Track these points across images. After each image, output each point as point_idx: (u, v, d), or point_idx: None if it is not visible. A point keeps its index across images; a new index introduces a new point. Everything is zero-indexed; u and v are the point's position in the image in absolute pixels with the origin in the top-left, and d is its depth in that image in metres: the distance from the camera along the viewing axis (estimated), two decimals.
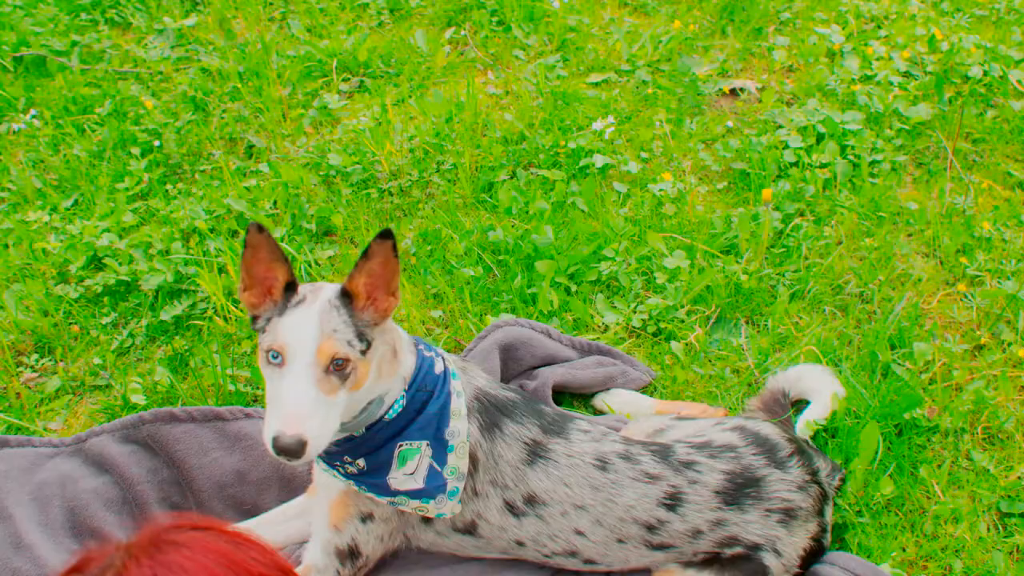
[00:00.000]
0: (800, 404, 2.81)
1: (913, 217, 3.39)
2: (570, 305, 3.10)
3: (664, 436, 2.51)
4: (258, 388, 2.97)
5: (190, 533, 1.32)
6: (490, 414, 2.36)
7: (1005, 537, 2.52)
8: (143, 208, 3.67)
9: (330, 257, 3.41)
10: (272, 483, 2.67)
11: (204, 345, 3.12)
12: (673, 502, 2.35)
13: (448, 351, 2.99)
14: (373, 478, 2.32)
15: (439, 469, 2.31)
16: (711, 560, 2.40)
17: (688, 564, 2.41)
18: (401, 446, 2.29)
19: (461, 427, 2.31)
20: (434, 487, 2.32)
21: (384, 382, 2.25)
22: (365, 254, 2.13)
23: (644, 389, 2.92)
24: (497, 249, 3.29)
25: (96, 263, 3.46)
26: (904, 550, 2.51)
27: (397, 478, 2.30)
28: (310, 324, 2.11)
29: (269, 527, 2.58)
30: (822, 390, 2.77)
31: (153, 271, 3.35)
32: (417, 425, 2.29)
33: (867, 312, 3.08)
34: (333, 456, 2.32)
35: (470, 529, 2.41)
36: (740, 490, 2.37)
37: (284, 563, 1.43)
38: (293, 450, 2.04)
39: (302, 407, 2.07)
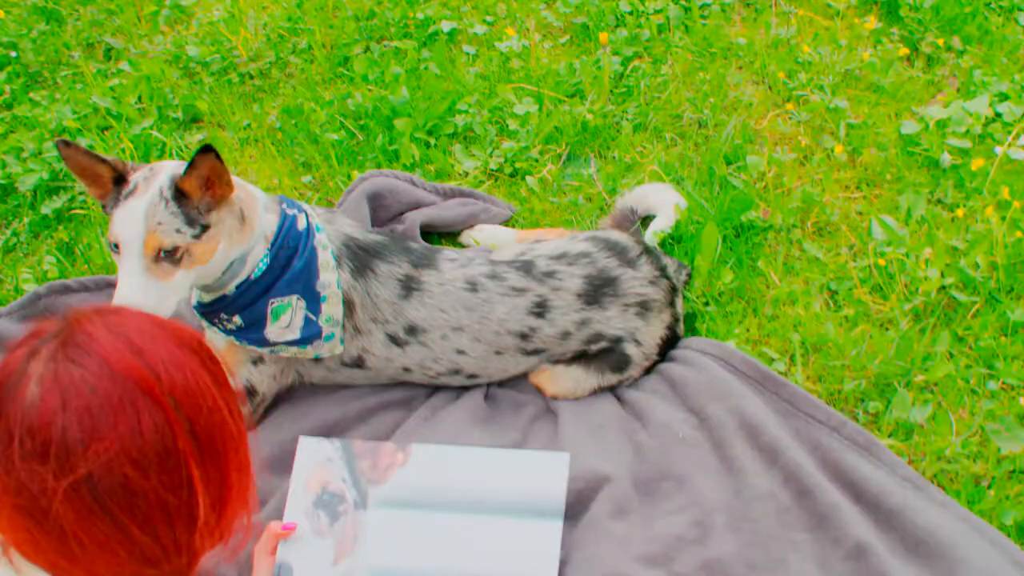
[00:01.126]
0: (648, 220, 3.05)
1: (742, 51, 3.64)
2: (431, 157, 3.30)
3: (526, 257, 2.74)
4: None
5: (123, 312, 1.47)
6: (360, 258, 2.55)
7: (835, 311, 2.81)
8: (9, 117, 3.74)
9: (200, 140, 3.53)
10: None
11: (88, 230, 3.25)
12: (541, 310, 2.59)
13: None
14: (251, 333, 2.50)
15: (314, 319, 2.49)
16: (579, 356, 2.65)
17: (558, 362, 2.66)
18: (272, 303, 2.45)
19: (330, 278, 2.48)
20: (311, 335, 2.51)
21: (237, 247, 2.39)
22: (192, 164, 2.22)
23: (506, 223, 3.14)
24: (358, 115, 3.46)
25: None
26: (748, 331, 2.79)
27: (273, 332, 2.49)
28: (136, 218, 2.24)
29: None
30: (666, 202, 3.02)
31: (28, 172, 3.45)
32: (284, 281, 2.44)
33: (704, 135, 3.33)
34: (211, 315, 2.50)
35: (358, 363, 2.63)
36: (598, 290, 2.61)
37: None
38: None
39: (131, 296, 2.25)
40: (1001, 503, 2.37)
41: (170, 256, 2.27)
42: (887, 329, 2.75)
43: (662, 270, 2.71)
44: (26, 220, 3.35)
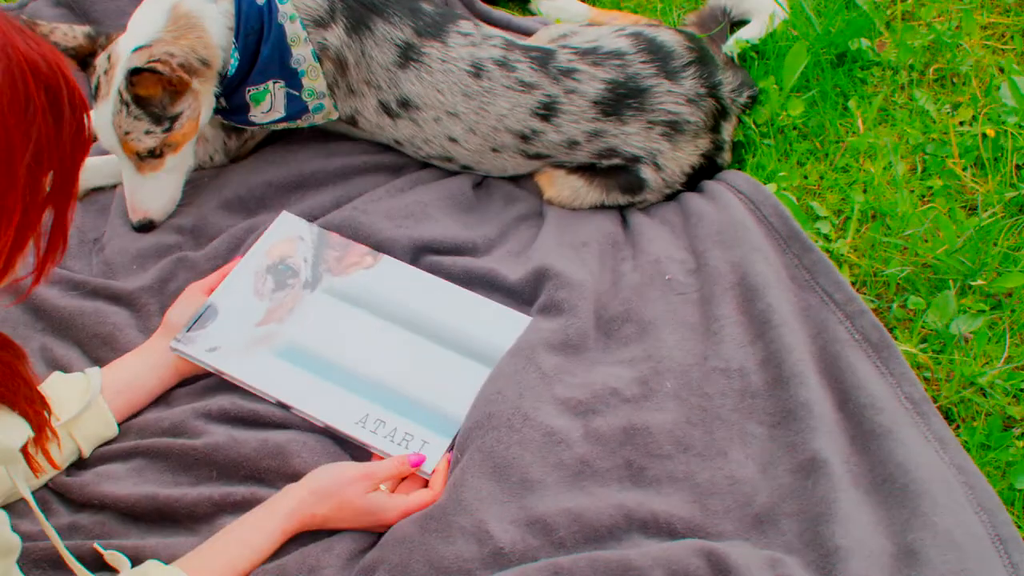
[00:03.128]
0: (741, 26, 2.38)
1: None
2: None
3: (562, 42, 2.16)
4: None
5: None
6: (356, 13, 2.05)
7: (920, 179, 2.11)
8: None
9: None
10: None
11: None
12: (548, 112, 2.04)
13: None
14: (236, 116, 2.13)
15: (297, 94, 2.08)
16: (585, 167, 2.10)
17: (561, 167, 2.12)
18: (249, 91, 2.06)
19: (304, 52, 2.04)
20: (296, 111, 2.11)
21: (214, 88, 2.05)
22: (132, 84, 1.93)
23: None
24: None
25: None
26: (806, 177, 2.14)
27: (257, 115, 2.11)
28: (106, 129, 1.98)
29: None
30: (763, 8, 2.33)
31: None
32: (257, 71, 2.04)
33: None
34: None
35: (352, 122, 2.18)
36: (621, 100, 2.03)
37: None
38: (146, 229, 2.11)
39: (134, 198, 2.09)
40: (1022, 461, 1.72)
41: (151, 154, 2.02)
42: (971, 213, 2.04)
43: (712, 88, 2.07)
44: None
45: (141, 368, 1.86)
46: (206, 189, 2.19)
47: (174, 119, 1.99)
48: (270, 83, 2.06)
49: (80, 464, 1.79)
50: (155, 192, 2.09)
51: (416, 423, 1.80)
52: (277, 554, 1.66)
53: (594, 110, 2.02)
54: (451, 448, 1.77)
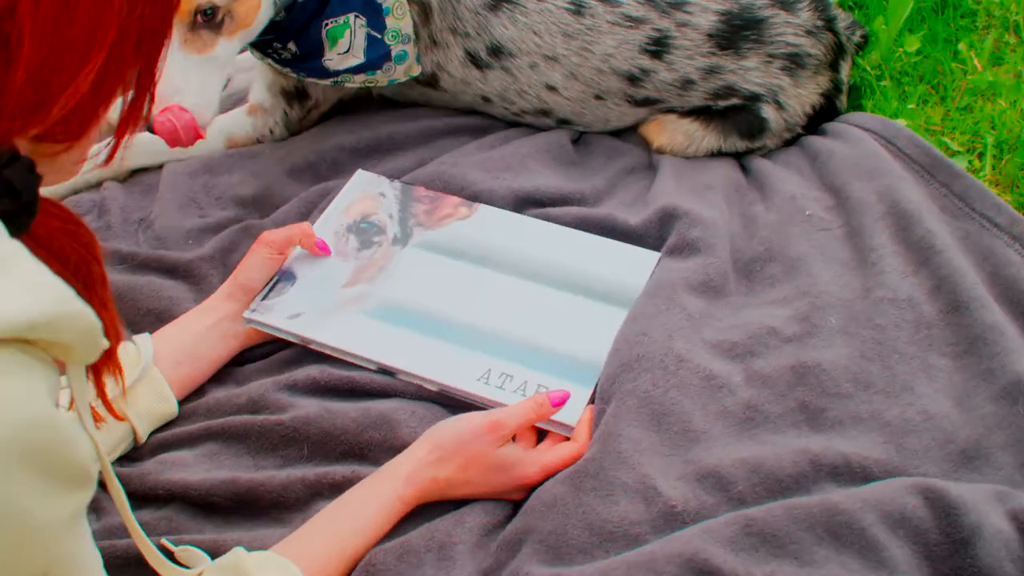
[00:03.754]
0: None
1: None
2: None
3: None
4: None
5: None
6: None
7: None
8: None
9: None
10: None
11: None
12: (659, 48, 1.83)
13: None
14: (308, 63, 1.86)
15: (379, 36, 1.83)
16: (699, 110, 1.89)
17: (671, 111, 1.91)
18: (327, 24, 1.80)
19: None
20: (377, 57, 1.85)
21: None
22: None
23: None
24: None
25: None
26: (929, 118, 1.95)
27: (333, 59, 1.84)
28: None
29: None
30: None
31: None
32: None
33: None
34: (263, 44, 1.85)
35: (432, 82, 1.95)
36: (737, 32, 1.83)
37: None
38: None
39: (170, 83, 1.62)
40: None
41: (209, 21, 1.65)
42: None
43: (828, 21, 1.89)
44: None
45: (204, 335, 1.56)
46: (268, 159, 1.93)
47: None
48: (351, 16, 1.81)
49: (134, 454, 1.49)
50: (197, 78, 1.68)
51: (549, 374, 1.52)
52: (396, 530, 1.37)
53: (709, 44, 1.82)
54: (592, 400, 1.51)
